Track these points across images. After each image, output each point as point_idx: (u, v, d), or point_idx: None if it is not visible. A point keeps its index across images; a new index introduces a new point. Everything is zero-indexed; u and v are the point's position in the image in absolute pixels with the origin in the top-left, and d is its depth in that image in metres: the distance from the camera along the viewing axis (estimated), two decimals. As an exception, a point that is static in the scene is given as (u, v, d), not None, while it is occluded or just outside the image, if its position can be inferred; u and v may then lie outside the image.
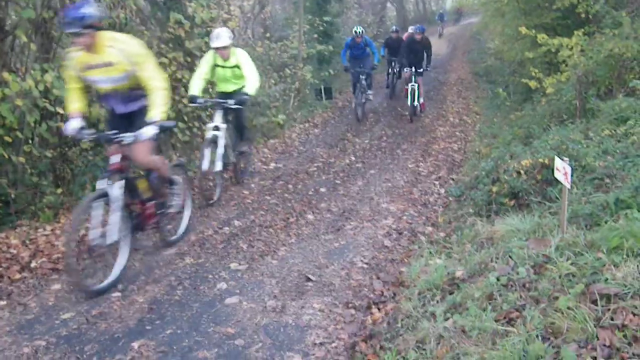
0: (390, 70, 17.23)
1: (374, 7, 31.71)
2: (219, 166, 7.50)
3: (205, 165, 7.29)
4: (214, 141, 7.44)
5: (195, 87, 7.56)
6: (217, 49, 7.58)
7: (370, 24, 27.74)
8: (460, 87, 19.19)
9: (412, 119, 13.48)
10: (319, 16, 17.95)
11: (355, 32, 13.83)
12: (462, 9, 41.09)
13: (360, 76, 13.54)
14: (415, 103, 13.47)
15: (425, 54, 13.72)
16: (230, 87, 7.94)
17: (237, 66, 7.70)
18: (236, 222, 6.72)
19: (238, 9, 14.11)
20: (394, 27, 18.26)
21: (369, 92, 14.09)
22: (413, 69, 13.18)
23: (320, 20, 17.61)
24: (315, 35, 17.50)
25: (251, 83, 7.47)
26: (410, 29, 16.80)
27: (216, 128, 7.50)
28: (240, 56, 7.70)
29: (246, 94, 7.41)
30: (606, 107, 7.65)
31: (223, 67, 7.76)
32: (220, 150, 7.50)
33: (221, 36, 7.51)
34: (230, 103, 7.46)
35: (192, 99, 7.49)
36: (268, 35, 15.72)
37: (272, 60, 14.49)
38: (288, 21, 19.72)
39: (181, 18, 9.45)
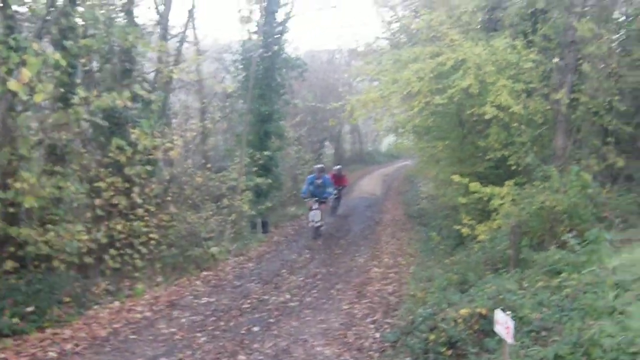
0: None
1: (312, 145, 32.57)
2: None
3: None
4: None
5: None
6: None
7: (308, 160, 28.38)
8: (395, 228, 19.45)
9: None
10: (260, 150, 18.25)
11: None
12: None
13: None
14: None
15: None
16: None
17: None
18: (163, 360, 6.37)
19: (180, 138, 14.20)
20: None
21: None
22: None
23: (261, 155, 17.88)
24: (255, 169, 17.69)
25: None
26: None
27: None
28: None
29: None
30: (539, 258, 7.81)
31: None
32: None
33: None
34: None
35: None
36: (209, 165, 15.81)
37: (211, 190, 14.47)
38: (229, 152, 19.97)
39: (123, 144, 9.43)
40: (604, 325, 4.76)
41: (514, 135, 12.43)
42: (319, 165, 17.69)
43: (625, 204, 10.26)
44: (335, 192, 19.49)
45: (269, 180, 18.15)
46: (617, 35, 12.93)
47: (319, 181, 16.76)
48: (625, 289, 5.64)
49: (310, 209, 16.33)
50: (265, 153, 18.22)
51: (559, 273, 7.05)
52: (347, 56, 38.13)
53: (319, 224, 16.41)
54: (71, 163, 9.49)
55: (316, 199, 16.36)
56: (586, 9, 11.63)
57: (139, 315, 8.14)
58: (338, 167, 22.08)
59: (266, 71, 19.50)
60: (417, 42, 14.60)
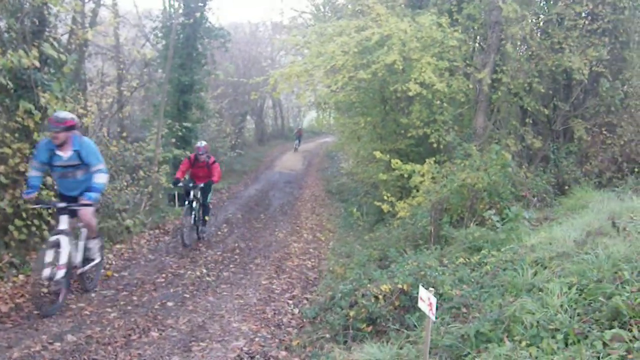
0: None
1: (234, 118, 32.05)
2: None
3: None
4: None
5: None
6: None
7: (229, 133, 27.90)
8: (314, 204, 19.42)
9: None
10: (179, 121, 17.73)
11: None
12: (301, 130, 40.83)
13: None
14: None
15: None
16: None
17: None
18: (70, 337, 5.99)
19: (95, 105, 13.54)
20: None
21: None
22: None
23: (180, 126, 17.37)
24: (173, 140, 17.18)
25: None
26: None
27: None
28: None
29: None
30: (460, 234, 7.88)
31: None
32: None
33: None
34: None
35: None
36: (125, 135, 15.18)
37: (126, 161, 13.88)
38: (146, 123, 19.31)
39: (31, 108, 8.83)
40: (524, 302, 4.76)
41: (436, 113, 12.54)
42: (59, 115, 7.31)
43: (542, 183, 10.55)
44: (192, 194, 11.51)
45: (188, 153, 17.68)
46: (539, 19, 13.22)
47: (65, 153, 7.22)
48: (544, 266, 5.71)
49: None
50: (184, 124, 17.71)
51: (479, 250, 7.13)
52: (271, 30, 37.72)
53: (59, 274, 6.84)
54: (-27, 127, 8.85)
55: (63, 205, 7.24)
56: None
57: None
58: (201, 144, 12.06)
59: (187, 40, 18.96)
60: (342, 17, 14.46)
